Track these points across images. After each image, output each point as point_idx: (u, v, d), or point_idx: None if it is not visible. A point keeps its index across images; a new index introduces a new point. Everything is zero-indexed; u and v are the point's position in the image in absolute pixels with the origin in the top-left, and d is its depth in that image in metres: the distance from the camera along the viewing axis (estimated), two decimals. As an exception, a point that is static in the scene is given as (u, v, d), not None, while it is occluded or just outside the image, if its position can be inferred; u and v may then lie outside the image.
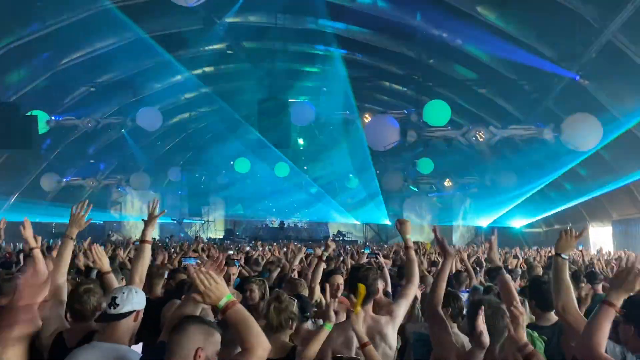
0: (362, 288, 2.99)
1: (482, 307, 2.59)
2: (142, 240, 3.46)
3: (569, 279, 2.90)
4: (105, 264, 3.69)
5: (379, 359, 2.96)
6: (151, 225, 3.49)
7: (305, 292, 4.30)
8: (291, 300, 3.27)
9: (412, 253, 3.66)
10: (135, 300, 2.81)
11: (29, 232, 3.72)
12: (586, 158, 16.71)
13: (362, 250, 6.27)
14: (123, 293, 2.82)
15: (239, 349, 2.29)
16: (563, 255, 2.92)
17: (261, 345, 2.20)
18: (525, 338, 2.50)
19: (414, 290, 3.56)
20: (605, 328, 2.37)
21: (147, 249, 3.43)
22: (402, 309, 3.44)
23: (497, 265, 3.30)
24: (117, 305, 2.77)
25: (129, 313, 2.77)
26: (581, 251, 12.62)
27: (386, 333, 3.28)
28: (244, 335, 2.19)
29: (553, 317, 3.48)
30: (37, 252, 3.64)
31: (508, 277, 3.22)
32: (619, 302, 2.38)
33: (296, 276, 5.56)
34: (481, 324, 2.55)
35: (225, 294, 2.21)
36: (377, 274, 3.61)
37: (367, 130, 16.97)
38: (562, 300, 2.84)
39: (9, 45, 15.55)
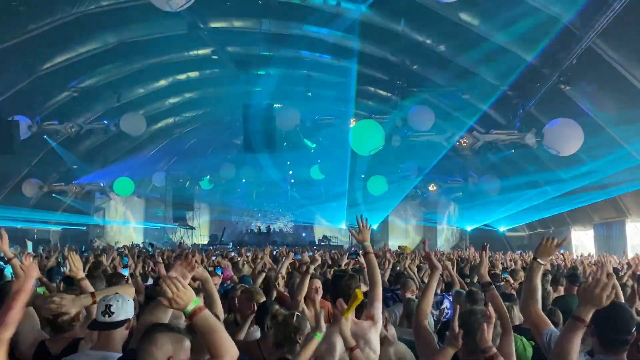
0: (359, 294, 2.98)
1: (458, 306, 2.63)
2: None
3: (540, 283, 3.01)
4: (79, 270, 3.64)
5: None
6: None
7: (262, 299, 4.26)
8: (290, 313, 3.29)
9: (372, 258, 3.63)
10: (129, 309, 2.78)
11: (4, 245, 3.67)
12: (566, 161, 16.98)
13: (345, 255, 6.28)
14: (118, 301, 2.77)
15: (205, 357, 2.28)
16: (540, 261, 3.03)
17: (229, 351, 2.17)
18: (489, 342, 2.55)
19: (380, 291, 3.57)
20: (575, 343, 2.40)
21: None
22: (380, 312, 3.47)
23: (487, 281, 3.32)
24: (112, 313, 2.73)
25: (124, 322, 2.75)
26: (563, 254, 12.79)
27: (370, 337, 3.30)
28: (211, 341, 2.15)
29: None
30: (16, 262, 3.60)
31: (496, 292, 3.27)
32: (588, 316, 2.39)
33: (282, 284, 5.54)
34: (456, 323, 2.62)
35: (192, 299, 2.15)
36: (359, 282, 3.63)
37: (352, 135, 17.04)
38: (527, 300, 2.95)
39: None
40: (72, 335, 3.03)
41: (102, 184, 24.87)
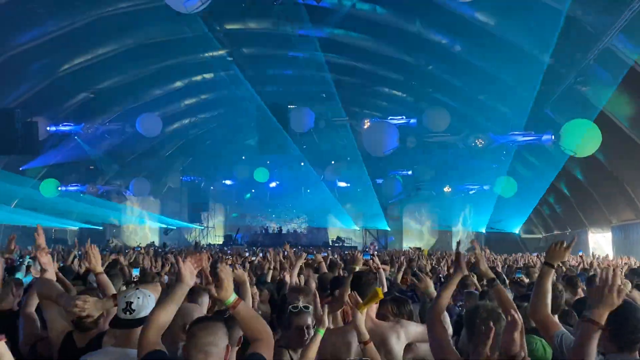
0: (379, 292, 3.01)
1: (489, 321, 2.56)
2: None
3: (550, 287, 3.03)
4: (98, 264, 3.67)
5: (378, 358, 2.96)
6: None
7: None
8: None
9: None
10: (150, 305, 2.72)
11: (41, 238, 3.72)
12: (583, 163, 16.78)
13: (361, 255, 6.25)
14: (138, 298, 2.74)
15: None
16: (551, 264, 3.07)
17: (268, 334, 2.39)
18: (517, 347, 2.51)
19: None
20: (593, 347, 2.37)
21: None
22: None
23: (490, 277, 3.30)
24: (133, 310, 2.71)
25: (145, 319, 2.68)
26: (581, 257, 12.63)
27: (388, 339, 3.25)
28: (252, 327, 2.38)
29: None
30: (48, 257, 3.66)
31: (501, 287, 3.24)
32: (602, 318, 2.36)
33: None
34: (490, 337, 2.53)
35: (233, 293, 2.35)
36: (376, 283, 3.62)
37: (365, 137, 17.01)
38: (536, 303, 2.98)
39: (9, 52, 15.62)
40: (94, 330, 3.04)
41: (118, 184, 25.15)
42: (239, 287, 3.39)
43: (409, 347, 3.36)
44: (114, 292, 3.37)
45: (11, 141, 16.45)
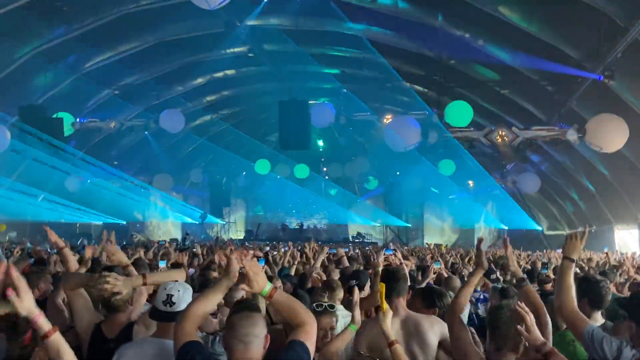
0: (381, 287, 2.97)
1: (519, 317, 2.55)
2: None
3: (573, 281, 3.03)
4: (122, 258, 3.71)
5: (406, 359, 2.94)
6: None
7: (341, 294, 4.20)
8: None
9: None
10: (188, 298, 2.77)
11: (54, 236, 3.79)
12: (608, 158, 16.48)
13: (383, 251, 6.24)
14: (179, 291, 2.78)
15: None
16: (570, 258, 3.06)
17: (311, 317, 2.40)
18: (540, 337, 2.50)
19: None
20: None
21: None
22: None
23: (520, 277, 3.25)
24: (174, 303, 2.74)
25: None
26: (607, 253, 12.42)
27: (424, 332, 3.23)
28: (294, 313, 2.39)
29: (600, 318, 3.57)
30: (67, 251, 3.72)
31: (531, 287, 3.20)
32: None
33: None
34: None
35: (267, 282, 2.36)
36: (405, 273, 3.60)
37: (387, 131, 16.90)
38: (562, 299, 2.96)
39: (36, 49, 15.92)
40: (124, 318, 3.08)
41: (141, 179, 25.49)
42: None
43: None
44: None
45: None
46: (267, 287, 2.34)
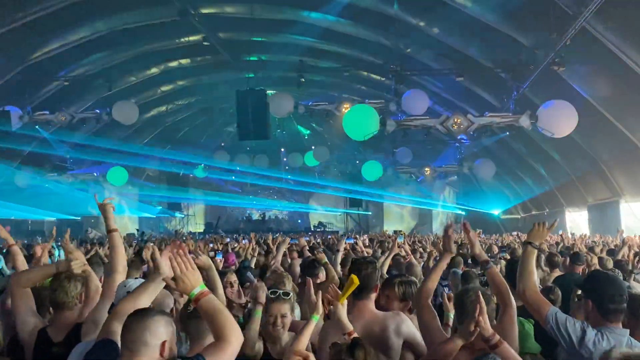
0: (355, 279, 2.85)
1: (479, 303, 2.56)
2: (109, 231, 3.29)
3: (534, 266, 3.10)
4: (80, 256, 3.58)
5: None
6: (108, 213, 3.28)
7: (289, 285, 4.24)
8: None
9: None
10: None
11: (4, 232, 3.63)
12: (559, 143, 17.04)
13: (343, 240, 6.25)
14: None
15: (205, 342, 2.27)
16: (533, 244, 3.12)
17: (235, 335, 2.12)
18: (489, 328, 2.54)
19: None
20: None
21: (116, 237, 3.23)
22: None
23: (484, 259, 3.27)
24: None
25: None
26: (561, 235, 12.88)
27: (389, 336, 3.11)
28: (218, 324, 2.11)
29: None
30: (16, 249, 3.57)
31: (495, 269, 3.22)
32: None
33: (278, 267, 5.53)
34: (481, 321, 2.54)
35: (200, 283, 2.14)
36: (375, 268, 3.42)
37: (346, 120, 16.93)
38: (524, 284, 3.01)
39: (-22, 40, 15.17)
40: (70, 320, 2.94)
41: (95, 174, 24.76)
42: (207, 275, 3.21)
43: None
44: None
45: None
46: (197, 289, 2.12)
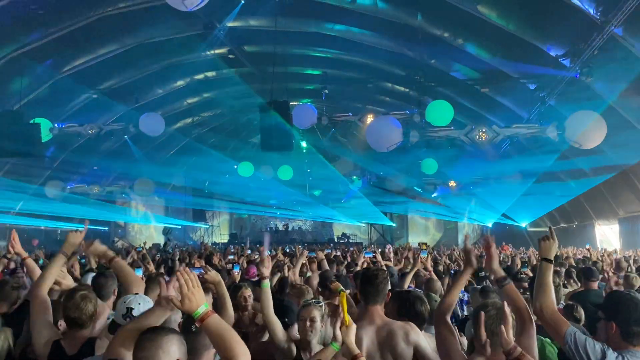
0: (342, 295, 2.84)
1: (482, 313, 2.53)
2: (110, 260, 3.38)
3: (551, 282, 2.99)
4: (108, 253, 3.62)
5: None
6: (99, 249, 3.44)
7: (310, 297, 4.26)
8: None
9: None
10: None
11: (18, 246, 3.70)
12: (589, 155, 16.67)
13: (363, 254, 6.19)
14: (139, 304, 2.71)
15: (205, 357, 2.26)
16: (548, 259, 3.02)
17: (241, 354, 2.10)
18: (511, 341, 2.47)
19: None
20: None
21: (118, 263, 3.37)
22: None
23: (501, 276, 3.18)
24: (134, 317, 2.65)
25: None
26: (588, 249, 12.54)
27: (398, 343, 3.14)
28: (223, 345, 2.10)
29: None
30: (31, 262, 3.63)
31: (513, 286, 3.14)
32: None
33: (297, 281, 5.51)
34: (483, 333, 2.52)
35: (204, 302, 2.15)
36: (387, 276, 3.47)
37: (368, 132, 16.88)
38: (541, 301, 2.92)
39: (11, 54, 15.64)
40: (86, 334, 2.99)
41: (122, 184, 25.17)
42: (216, 290, 3.27)
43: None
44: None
45: (14, 143, 16.39)
46: (201, 309, 2.12)
